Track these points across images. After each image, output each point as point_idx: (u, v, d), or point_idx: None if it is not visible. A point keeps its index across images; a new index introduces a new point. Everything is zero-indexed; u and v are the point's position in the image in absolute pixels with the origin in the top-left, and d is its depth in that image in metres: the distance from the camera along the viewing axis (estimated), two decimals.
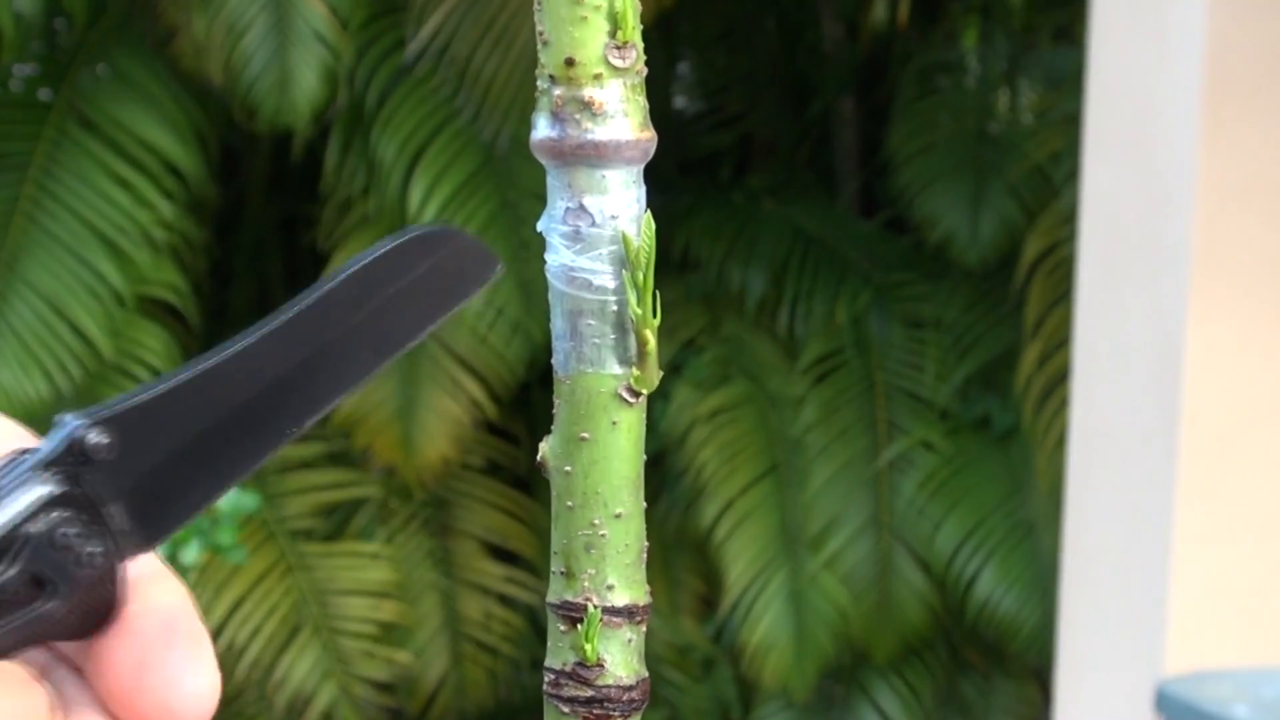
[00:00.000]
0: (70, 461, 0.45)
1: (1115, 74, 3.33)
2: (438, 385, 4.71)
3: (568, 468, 0.58)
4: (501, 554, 5.03)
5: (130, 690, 0.44)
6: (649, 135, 0.56)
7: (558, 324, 0.57)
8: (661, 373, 0.58)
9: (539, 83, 0.56)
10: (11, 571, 0.44)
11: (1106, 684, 3.42)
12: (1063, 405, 4.18)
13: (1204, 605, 3.21)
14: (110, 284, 4.44)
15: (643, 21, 0.56)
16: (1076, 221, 3.49)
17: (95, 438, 0.45)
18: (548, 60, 0.56)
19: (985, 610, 4.75)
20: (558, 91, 0.56)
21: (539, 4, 0.55)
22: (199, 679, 0.45)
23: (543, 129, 0.56)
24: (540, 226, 0.57)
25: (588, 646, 0.58)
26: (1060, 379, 4.32)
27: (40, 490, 0.44)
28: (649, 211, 0.57)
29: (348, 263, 0.52)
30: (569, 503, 0.58)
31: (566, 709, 0.58)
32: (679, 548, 4.98)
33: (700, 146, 5.74)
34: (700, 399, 4.88)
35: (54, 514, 0.44)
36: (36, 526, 0.44)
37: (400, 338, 0.53)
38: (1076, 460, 3.48)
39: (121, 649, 0.44)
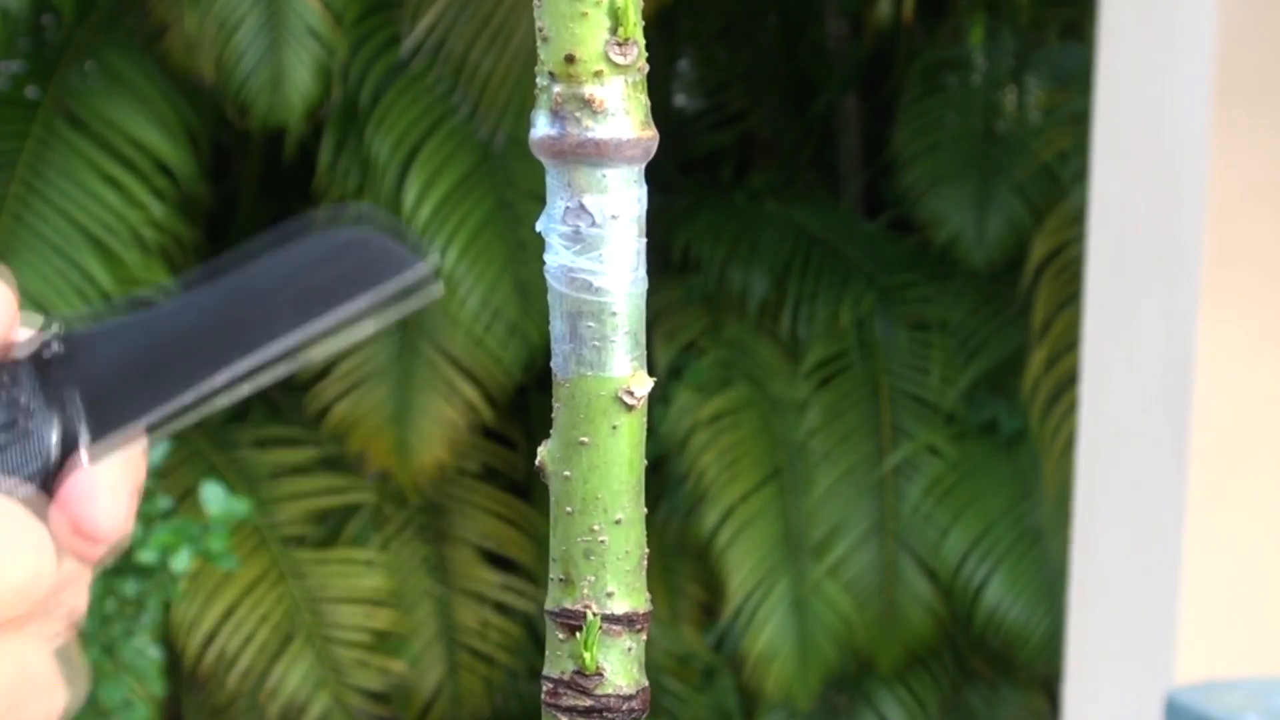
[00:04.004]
0: (34, 353, 0.57)
1: (1125, 71, 3.31)
2: (433, 389, 4.72)
3: (567, 473, 0.58)
4: (498, 561, 5.04)
5: (67, 508, 0.54)
6: (650, 134, 0.56)
7: (557, 326, 0.58)
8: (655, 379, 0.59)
9: (538, 80, 0.56)
10: None
11: (1115, 694, 3.41)
12: (1071, 409, 4.18)
13: (1215, 613, 3.20)
14: (99, 285, 4.46)
15: (643, 18, 0.56)
16: (1085, 222, 3.49)
17: (54, 337, 0.57)
18: (547, 57, 0.56)
19: (992, 618, 4.76)
20: (557, 89, 0.56)
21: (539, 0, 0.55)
22: (112, 505, 0.55)
23: (542, 127, 0.56)
24: (539, 226, 0.57)
25: (587, 655, 0.58)
26: (1068, 382, 4.31)
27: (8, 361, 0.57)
28: None
29: (267, 247, 0.57)
30: (568, 508, 0.58)
31: (565, 718, 0.59)
32: (679, 554, 5.00)
33: (701, 145, 5.74)
34: (701, 403, 4.89)
35: (17, 372, 0.56)
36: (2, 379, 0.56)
37: (317, 326, 0.57)
38: (1085, 465, 3.47)
39: (64, 488, 0.55)
